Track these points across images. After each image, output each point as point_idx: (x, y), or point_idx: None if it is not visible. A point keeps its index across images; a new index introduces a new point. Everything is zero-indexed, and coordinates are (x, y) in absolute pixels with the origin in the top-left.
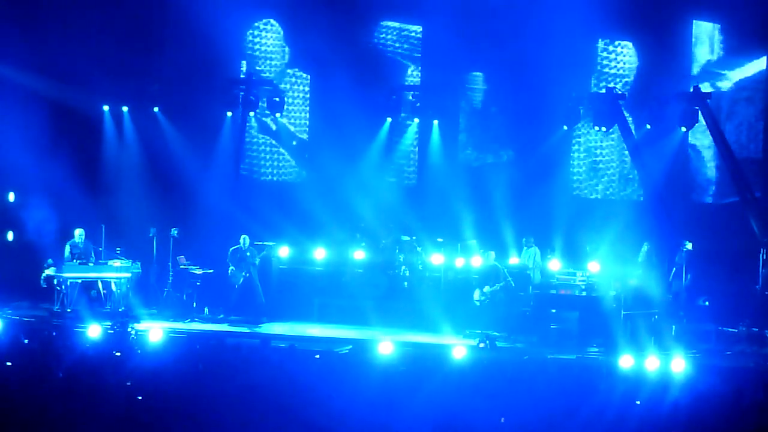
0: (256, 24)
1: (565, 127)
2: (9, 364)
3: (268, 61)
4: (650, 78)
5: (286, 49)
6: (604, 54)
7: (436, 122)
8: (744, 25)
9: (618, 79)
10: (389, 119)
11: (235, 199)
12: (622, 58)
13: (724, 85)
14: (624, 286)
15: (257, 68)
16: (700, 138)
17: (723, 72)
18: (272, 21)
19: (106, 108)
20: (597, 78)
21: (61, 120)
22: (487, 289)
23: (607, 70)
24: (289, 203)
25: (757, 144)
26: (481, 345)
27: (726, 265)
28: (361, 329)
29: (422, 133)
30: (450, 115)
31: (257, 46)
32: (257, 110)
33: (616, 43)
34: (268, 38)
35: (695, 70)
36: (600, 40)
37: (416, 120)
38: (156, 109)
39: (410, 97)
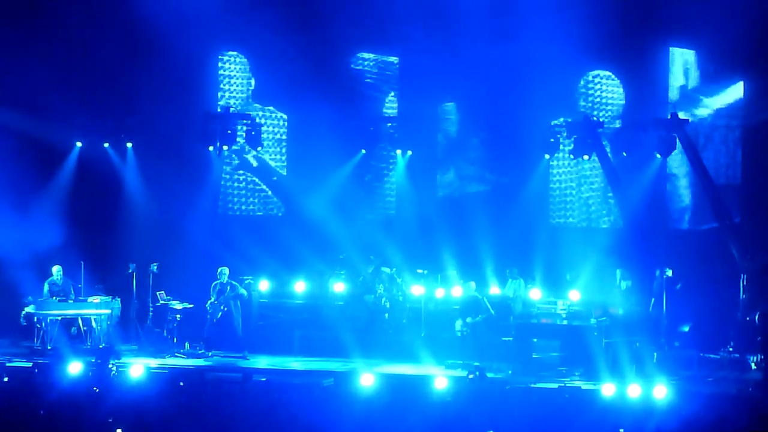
0: (231, 59)
1: (547, 156)
2: None
3: (243, 96)
4: (627, 105)
5: (253, 82)
6: (584, 82)
7: (409, 152)
8: (720, 51)
9: (596, 107)
10: (363, 150)
11: (215, 234)
12: (599, 86)
13: (703, 112)
14: (605, 314)
15: (234, 102)
16: (678, 165)
17: (701, 99)
18: (242, 56)
19: (78, 144)
20: (575, 106)
21: (39, 156)
22: (469, 320)
23: (585, 99)
24: (268, 237)
25: (735, 170)
26: (471, 376)
27: (706, 291)
28: (342, 361)
29: (401, 164)
30: (428, 145)
31: (233, 80)
32: (235, 145)
33: (595, 72)
34: (241, 72)
35: (673, 97)
36: (578, 69)
37: (398, 151)
38: (129, 144)
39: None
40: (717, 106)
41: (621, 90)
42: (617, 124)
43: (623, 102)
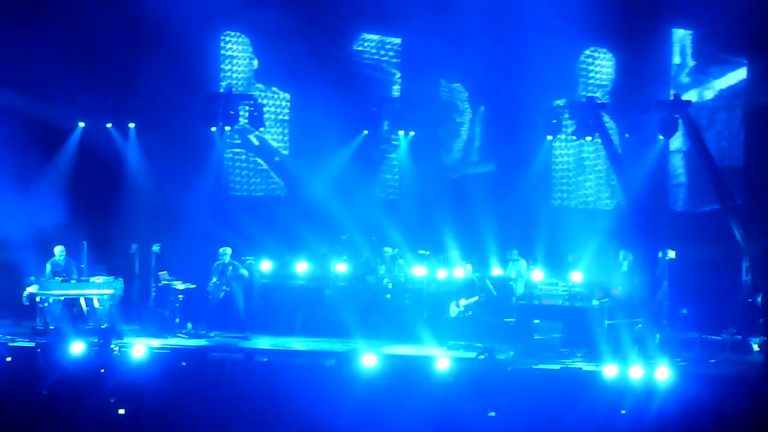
0: (233, 39)
1: (550, 137)
2: None
3: (245, 76)
4: (630, 87)
5: (255, 62)
6: (585, 64)
7: (412, 133)
8: (723, 33)
9: (598, 89)
10: (365, 131)
11: (217, 214)
12: (601, 67)
13: (707, 94)
14: (607, 295)
15: (236, 83)
16: (681, 146)
17: (705, 81)
18: (244, 36)
19: (81, 124)
20: (577, 87)
21: (41, 137)
22: (462, 302)
23: (587, 79)
24: (270, 217)
25: (738, 151)
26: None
27: (709, 272)
28: (344, 342)
29: (403, 145)
30: (431, 126)
31: (235, 61)
32: (237, 125)
33: (596, 53)
34: (244, 53)
35: (675, 78)
36: (580, 49)
37: (401, 132)
38: (132, 125)
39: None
40: (720, 88)
41: (621, 71)
42: (619, 106)
43: (624, 83)
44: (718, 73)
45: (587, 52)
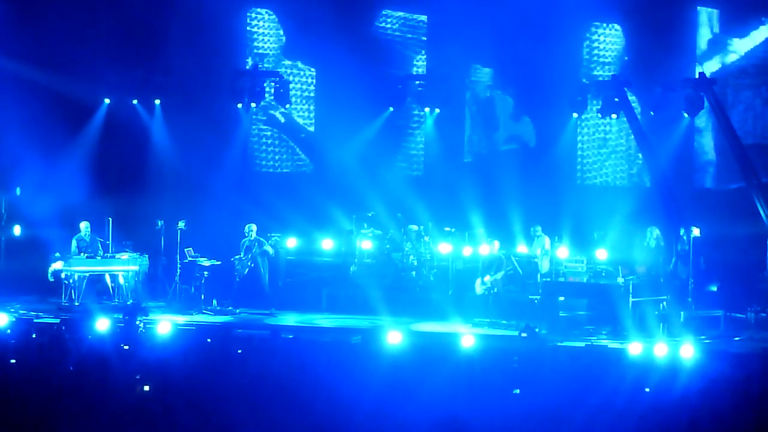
0: (259, 15)
1: (575, 115)
2: (13, 361)
3: (272, 52)
4: (655, 65)
5: (284, 38)
6: (600, 42)
7: (437, 111)
8: (745, 6)
9: (621, 67)
10: (390, 108)
11: (243, 191)
12: (620, 46)
13: (730, 59)
14: (632, 272)
15: (262, 59)
16: (706, 123)
17: (727, 45)
18: (271, 12)
19: (107, 101)
20: (601, 65)
21: (67, 113)
22: (488, 278)
23: (607, 58)
24: (296, 194)
25: (763, 129)
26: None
27: (733, 250)
28: (370, 319)
29: (429, 122)
30: (456, 104)
31: (261, 38)
32: (263, 102)
33: (612, 29)
34: (270, 30)
35: (699, 54)
36: (605, 26)
37: (427, 109)
38: (157, 101)
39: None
40: (742, 52)
41: (647, 49)
42: (644, 83)
43: (650, 61)
44: (740, 35)
45: (606, 30)
